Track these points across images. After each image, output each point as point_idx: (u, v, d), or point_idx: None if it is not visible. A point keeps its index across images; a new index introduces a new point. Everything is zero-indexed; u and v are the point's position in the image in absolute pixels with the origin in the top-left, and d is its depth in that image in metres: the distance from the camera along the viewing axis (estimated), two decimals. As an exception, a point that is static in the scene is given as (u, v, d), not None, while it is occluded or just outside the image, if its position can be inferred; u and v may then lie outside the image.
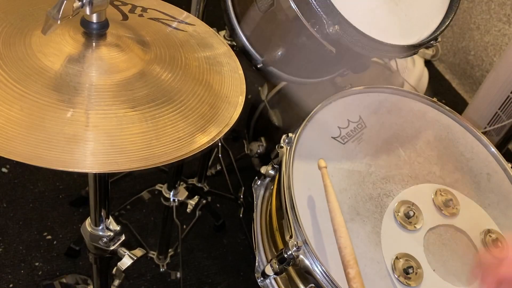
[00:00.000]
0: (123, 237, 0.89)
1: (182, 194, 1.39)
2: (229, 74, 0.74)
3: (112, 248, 0.88)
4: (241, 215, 1.66)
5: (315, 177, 0.88)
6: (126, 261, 0.90)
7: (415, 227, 0.86)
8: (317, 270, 0.76)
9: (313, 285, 0.78)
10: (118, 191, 1.70)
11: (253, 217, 0.97)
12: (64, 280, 1.40)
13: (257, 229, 0.95)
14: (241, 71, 0.75)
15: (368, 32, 0.85)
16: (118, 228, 0.87)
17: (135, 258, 0.90)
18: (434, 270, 0.82)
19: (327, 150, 0.93)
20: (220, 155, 1.62)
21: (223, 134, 0.64)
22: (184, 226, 1.62)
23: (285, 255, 0.78)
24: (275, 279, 0.86)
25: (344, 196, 0.87)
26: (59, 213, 1.62)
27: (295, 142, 0.89)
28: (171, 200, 1.37)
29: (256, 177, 1.01)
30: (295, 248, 0.77)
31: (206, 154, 1.53)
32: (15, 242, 1.53)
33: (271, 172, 0.96)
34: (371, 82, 1.11)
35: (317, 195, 0.86)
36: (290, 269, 0.83)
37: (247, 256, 1.66)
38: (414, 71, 2.23)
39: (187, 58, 0.72)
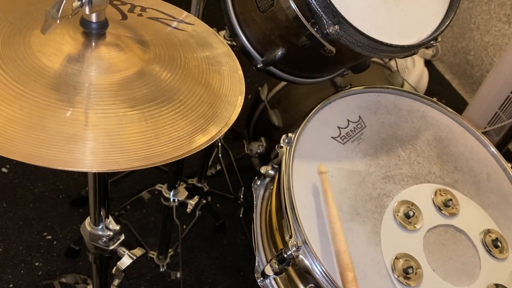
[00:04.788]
0: (122, 237, 0.89)
1: (182, 194, 1.39)
2: (228, 74, 0.74)
3: (111, 247, 0.88)
4: (241, 215, 1.66)
5: (315, 177, 0.88)
6: (125, 261, 0.90)
7: (415, 227, 0.86)
8: (316, 270, 0.76)
9: (312, 285, 0.78)
10: (118, 191, 1.70)
11: (253, 217, 0.97)
12: (63, 280, 1.40)
13: (257, 229, 0.95)
14: (240, 71, 0.75)
15: (368, 32, 0.85)
16: (117, 227, 0.87)
17: (135, 258, 0.90)
18: (433, 270, 0.82)
19: (327, 150, 0.93)
20: (220, 155, 1.62)
21: (222, 133, 0.64)
22: (184, 226, 1.62)
23: (285, 255, 0.78)
24: (274, 279, 0.86)
25: (344, 196, 0.87)
26: (59, 213, 1.62)
27: (295, 142, 0.89)
28: (171, 200, 1.37)
29: (256, 177, 1.01)
30: (294, 248, 0.77)
31: (206, 154, 1.53)
32: (15, 242, 1.53)
33: (271, 172, 0.96)
34: (371, 82, 1.11)
35: (317, 195, 0.86)
36: (290, 269, 0.83)
37: (247, 256, 1.66)
38: (414, 71, 2.23)
39: (187, 57, 0.72)
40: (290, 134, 0.90)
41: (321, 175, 0.85)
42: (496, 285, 0.84)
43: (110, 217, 0.87)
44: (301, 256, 0.77)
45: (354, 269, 0.72)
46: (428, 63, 2.55)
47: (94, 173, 0.77)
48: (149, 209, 1.70)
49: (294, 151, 0.88)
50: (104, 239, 0.87)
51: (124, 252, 0.90)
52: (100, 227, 0.86)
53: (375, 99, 1.05)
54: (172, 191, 1.37)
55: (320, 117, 0.97)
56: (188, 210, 1.46)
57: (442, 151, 1.01)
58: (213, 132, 0.63)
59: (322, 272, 0.75)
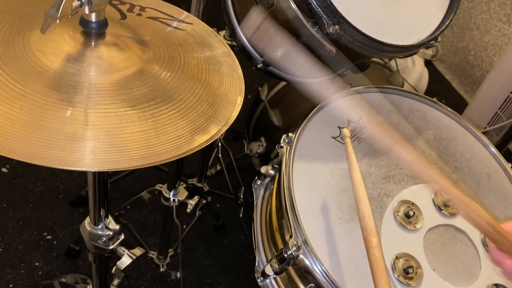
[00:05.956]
0: (122, 236, 0.89)
1: (182, 194, 1.39)
2: (228, 73, 0.74)
3: (111, 247, 0.88)
4: (241, 215, 1.66)
5: (315, 177, 0.88)
6: (125, 260, 0.90)
7: (415, 227, 0.86)
8: (317, 270, 0.76)
9: (313, 285, 0.78)
10: (118, 191, 1.70)
11: (253, 217, 0.97)
12: (63, 280, 1.40)
13: (257, 229, 0.95)
14: (239, 70, 0.75)
15: (368, 32, 0.85)
16: (117, 227, 0.87)
17: (134, 257, 0.90)
18: (434, 270, 0.82)
19: (327, 150, 0.93)
20: (220, 155, 1.62)
21: (222, 132, 0.64)
22: (184, 226, 1.62)
23: (285, 255, 0.78)
24: (275, 279, 0.86)
25: (344, 196, 0.87)
26: (59, 213, 1.62)
27: (295, 142, 0.89)
28: (171, 200, 1.37)
29: (256, 177, 1.01)
30: (295, 248, 0.77)
31: (206, 154, 1.53)
32: (15, 242, 1.53)
33: (271, 172, 0.96)
34: (371, 82, 1.11)
35: (317, 194, 0.86)
36: (290, 269, 0.83)
37: (247, 256, 1.66)
38: (414, 71, 2.23)
39: (186, 57, 0.72)
40: (290, 134, 0.90)
41: (345, 138, 0.85)
42: (496, 285, 0.84)
43: (109, 216, 0.87)
44: (301, 256, 0.77)
45: (378, 234, 0.71)
46: (428, 63, 2.55)
47: (94, 173, 0.77)
48: (149, 209, 1.70)
49: (294, 151, 0.88)
50: (104, 238, 0.87)
51: (124, 251, 0.90)
52: (99, 226, 0.86)
53: (375, 99, 1.05)
54: (172, 191, 1.37)
55: (320, 117, 0.97)
56: (188, 210, 1.46)
57: (442, 151, 1.01)
58: (213, 131, 0.63)
59: (322, 272, 0.75)
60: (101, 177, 0.78)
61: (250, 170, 1.67)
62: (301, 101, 1.50)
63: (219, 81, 0.71)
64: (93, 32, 0.65)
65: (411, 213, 0.86)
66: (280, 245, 0.86)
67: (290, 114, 1.50)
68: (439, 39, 0.96)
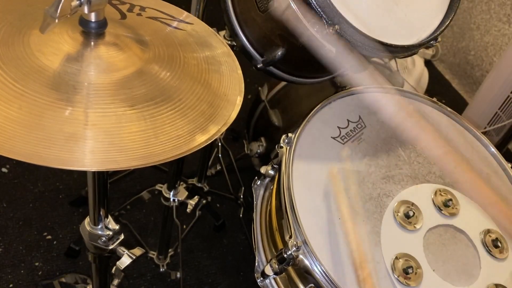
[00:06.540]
0: (122, 236, 0.89)
1: (182, 194, 1.39)
2: (227, 73, 0.74)
3: (111, 247, 0.88)
4: (241, 215, 1.66)
5: (315, 177, 0.88)
6: (125, 260, 0.90)
7: (414, 227, 0.86)
8: (316, 270, 0.76)
9: (312, 285, 0.78)
10: (118, 191, 1.70)
11: (253, 217, 0.97)
12: (63, 280, 1.40)
13: (257, 229, 0.95)
14: (239, 70, 0.75)
15: (368, 32, 0.85)
16: (117, 227, 0.87)
17: (134, 257, 0.90)
18: (433, 270, 0.82)
19: (327, 150, 0.93)
20: (220, 155, 1.62)
21: (222, 132, 0.64)
22: (184, 226, 1.62)
23: (285, 255, 0.78)
24: (274, 279, 0.86)
25: (344, 196, 0.87)
26: (59, 213, 1.62)
27: (295, 142, 0.89)
28: (171, 200, 1.37)
29: (256, 177, 1.01)
30: (294, 248, 0.77)
31: (206, 154, 1.53)
32: (15, 242, 1.53)
33: (271, 172, 0.96)
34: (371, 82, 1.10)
35: (317, 195, 0.86)
36: (290, 269, 0.83)
37: (247, 256, 1.66)
38: (414, 71, 2.23)
39: (186, 57, 0.72)
40: (290, 134, 0.90)
41: (332, 177, 0.85)
42: (496, 285, 0.84)
43: (109, 216, 0.87)
44: (301, 256, 0.77)
45: (367, 268, 0.72)
46: (428, 63, 2.55)
47: (94, 173, 0.77)
48: (149, 209, 1.70)
49: (294, 151, 0.88)
50: (104, 238, 0.87)
51: (124, 251, 0.90)
52: (99, 226, 0.86)
53: (375, 99, 1.05)
54: (172, 191, 1.37)
55: (320, 117, 0.97)
56: (188, 210, 1.46)
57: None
58: (213, 131, 0.63)
59: (322, 272, 0.75)
60: (101, 177, 0.78)
61: (250, 170, 1.67)
62: (301, 101, 1.51)
63: (219, 81, 0.71)
64: (93, 32, 0.65)
65: (410, 213, 0.86)
66: (280, 245, 0.86)
67: (290, 114, 1.50)
68: (439, 39, 0.96)
